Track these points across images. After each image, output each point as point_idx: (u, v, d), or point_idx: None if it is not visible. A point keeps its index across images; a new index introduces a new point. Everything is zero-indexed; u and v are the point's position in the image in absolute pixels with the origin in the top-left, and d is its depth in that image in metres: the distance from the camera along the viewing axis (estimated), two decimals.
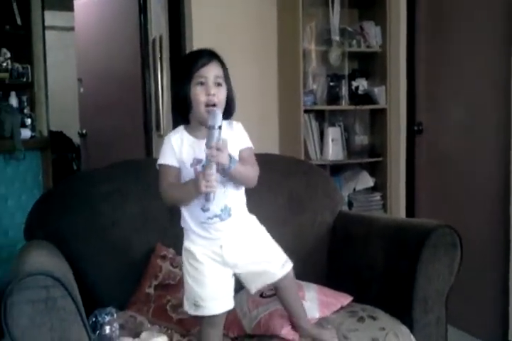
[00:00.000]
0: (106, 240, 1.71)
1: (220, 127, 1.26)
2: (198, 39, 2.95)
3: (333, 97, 3.11)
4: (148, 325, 1.48)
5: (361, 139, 3.22)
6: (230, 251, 1.38)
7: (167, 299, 1.61)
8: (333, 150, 3.03)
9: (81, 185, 1.83)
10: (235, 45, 2.96)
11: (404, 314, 1.67)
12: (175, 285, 1.68)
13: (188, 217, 1.38)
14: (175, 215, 1.83)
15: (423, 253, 1.65)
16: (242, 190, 1.42)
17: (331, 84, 3.12)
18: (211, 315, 1.38)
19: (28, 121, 3.35)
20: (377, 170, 3.20)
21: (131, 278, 1.70)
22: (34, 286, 1.17)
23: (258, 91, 3.04)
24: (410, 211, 3.01)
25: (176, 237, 1.82)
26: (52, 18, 4.66)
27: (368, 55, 3.21)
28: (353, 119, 3.21)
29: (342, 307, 1.70)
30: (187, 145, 1.35)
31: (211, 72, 1.33)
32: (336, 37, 3.05)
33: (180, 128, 1.39)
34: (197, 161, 1.33)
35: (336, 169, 3.18)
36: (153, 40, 4.15)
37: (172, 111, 1.41)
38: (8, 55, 3.56)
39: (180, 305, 1.59)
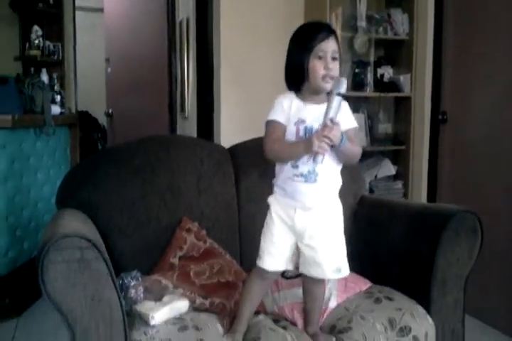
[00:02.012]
0: (134, 212, 1.75)
1: (341, 94, 1.34)
2: (225, 22, 2.97)
3: (357, 84, 3.12)
4: (172, 289, 1.52)
5: (385, 127, 3.24)
6: (301, 218, 1.43)
7: (190, 267, 1.66)
8: None
9: (112, 157, 1.87)
10: (261, 30, 2.98)
11: (422, 295, 1.69)
12: (198, 257, 1.72)
13: (279, 171, 1.46)
14: (202, 192, 1.90)
15: (443, 237, 1.66)
16: (339, 167, 1.48)
17: (356, 70, 3.14)
18: (263, 269, 1.46)
19: (58, 97, 3.42)
20: (399, 158, 3.21)
21: (157, 248, 1.75)
22: (69, 247, 1.22)
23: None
24: (432, 200, 3.01)
25: (200, 213, 1.87)
26: None
27: (395, 43, 3.21)
28: (377, 107, 3.22)
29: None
30: (295, 107, 1.43)
31: (330, 46, 1.39)
32: (362, 23, 3.05)
33: (290, 93, 1.46)
34: (301, 121, 1.41)
35: None
36: (181, 22, 4.18)
37: (285, 79, 1.47)
38: (40, 32, 3.62)
39: (203, 272, 1.66)
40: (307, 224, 1.44)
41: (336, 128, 1.33)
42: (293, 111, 1.42)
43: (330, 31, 1.42)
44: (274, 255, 1.45)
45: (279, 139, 1.42)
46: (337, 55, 1.40)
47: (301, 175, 1.41)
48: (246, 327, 1.49)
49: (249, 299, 1.51)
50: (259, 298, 1.55)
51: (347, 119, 1.45)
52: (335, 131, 1.32)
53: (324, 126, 1.32)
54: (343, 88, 1.34)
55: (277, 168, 1.48)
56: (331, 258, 1.48)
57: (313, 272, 1.48)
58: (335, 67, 1.39)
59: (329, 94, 1.36)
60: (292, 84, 1.46)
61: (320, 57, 1.38)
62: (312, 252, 1.46)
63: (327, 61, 1.38)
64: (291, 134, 1.42)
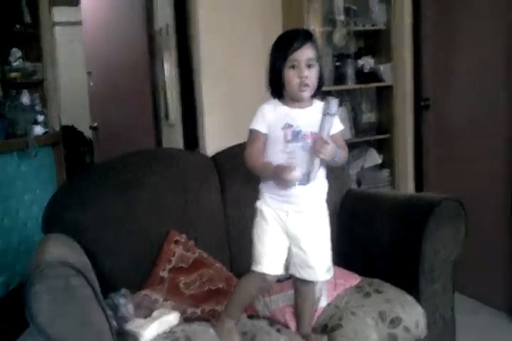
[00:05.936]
0: (121, 229, 1.76)
1: (334, 114, 1.37)
2: (203, 26, 2.96)
3: (339, 77, 3.12)
4: (162, 302, 1.55)
5: (368, 117, 3.24)
6: (294, 221, 1.45)
7: (180, 279, 1.69)
8: None
9: (96, 176, 1.88)
10: (240, 29, 2.97)
11: (410, 285, 1.72)
12: (187, 268, 1.75)
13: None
14: (188, 203, 1.92)
15: (428, 226, 1.69)
16: (324, 171, 1.50)
17: (337, 64, 3.14)
18: (265, 273, 1.44)
19: (41, 118, 3.39)
20: (384, 147, 3.23)
21: (146, 263, 1.77)
22: (54, 276, 1.22)
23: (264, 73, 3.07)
24: (419, 187, 3.03)
25: (188, 224, 1.89)
26: (56, 13, 4.70)
27: (374, 33, 3.20)
28: (359, 98, 3.23)
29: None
30: (280, 112, 1.45)
31: (304, 55, 1.39)
32: (340, 17, 3.03)
33: (275, 100, 1.48)
34: (288, 125, 1.42)
35: None
36: (160, 30, 4.18)
37: (267, 87, 1.49)
38: (19, 54, 3.60)
39: (192, 282, 1.69)
40: (300, 227, 1.46)
41: (330, 147, 1.36)
42: (278, 117, 1.44)
43: (306, 38, 1.41)
44: (274, 258, 1.45)
45: (258, 151, 1.44)
46: (313, 62, 1.40)
47: None
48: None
49: (244, 303, 1.54)
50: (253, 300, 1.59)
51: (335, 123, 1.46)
52: (327, 149, 1.35)
53: (316, 141, 1.36)
54: (334, 109, 1.37)
55: None
56: (322, 260, 1.51)
57: (305, 274, 1.51)
58: (310, 75, 1.40)
59: (323, 115, 1.38)
60: (274, 91, 1.47)
61: (293, 67, 1.39)
62: (304, 255, 1.48)
63: (301, 70, 1.39)
64: (279, 139, 1.42)
